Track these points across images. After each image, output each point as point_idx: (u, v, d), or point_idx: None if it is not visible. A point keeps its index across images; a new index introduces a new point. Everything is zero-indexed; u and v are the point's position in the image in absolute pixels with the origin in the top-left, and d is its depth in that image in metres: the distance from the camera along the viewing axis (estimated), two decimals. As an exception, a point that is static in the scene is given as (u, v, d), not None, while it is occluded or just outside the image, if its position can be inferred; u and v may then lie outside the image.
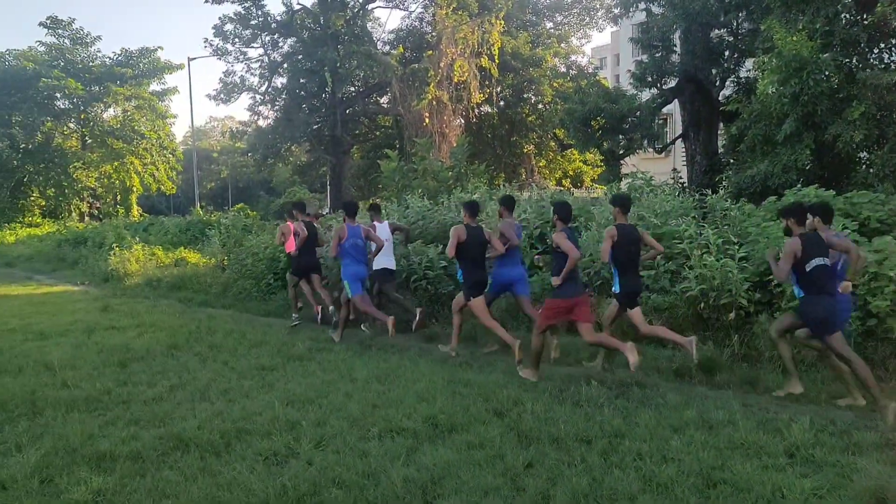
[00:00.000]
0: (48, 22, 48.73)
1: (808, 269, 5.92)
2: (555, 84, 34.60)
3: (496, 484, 4.27)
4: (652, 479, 4.33)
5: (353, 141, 39.49)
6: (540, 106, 37.80)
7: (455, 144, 26.20)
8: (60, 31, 49.19)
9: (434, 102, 29.52)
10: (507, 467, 4.52)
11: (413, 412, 5.70)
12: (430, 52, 31.86)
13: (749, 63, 17.12)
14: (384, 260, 9.83)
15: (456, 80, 30.17)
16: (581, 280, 7.76)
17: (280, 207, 52.03)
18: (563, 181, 40.20)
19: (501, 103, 36.91)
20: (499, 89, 35.52)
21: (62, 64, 47.37)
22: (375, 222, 10.15)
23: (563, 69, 37.76)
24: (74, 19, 49.30)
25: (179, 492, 4.27)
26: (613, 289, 7.21)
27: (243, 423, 5.57)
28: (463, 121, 34.06)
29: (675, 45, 18.72)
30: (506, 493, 4.16)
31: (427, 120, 29.91)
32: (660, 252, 7.49)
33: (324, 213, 35.55)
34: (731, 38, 18.03)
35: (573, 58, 40.58)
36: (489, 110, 38.00)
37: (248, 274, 13.76)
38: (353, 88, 38.14)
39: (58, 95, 47.03)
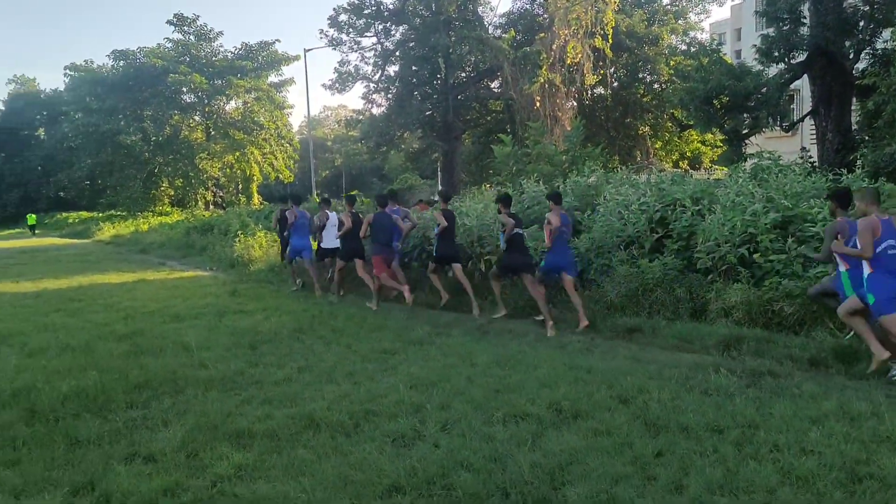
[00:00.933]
0: (174, 20, 51.30)
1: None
2: (672, 62, 33.53)
3: (625, 472, 4.22)
4: (791, 471, 4.16)
5: (465, 126, 39.65)
6: (656, 86, 36.78)
7: (568, 128, 25.89)
8: (186, 28, 51.70)
9: (546, 85, 29.19)
10: (636, 455, 4.45)
11: (536, 398, 5.70)
12: (542, 34, 31.53)
13: (886, 34, 16.05)
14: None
15: (568, 62, 29.70)
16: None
17: (392, 194, 53.06)
18: (681, 163, 39.01)
19: (615, 84, 36.15)
20: (613, 70, 34.82)
21: (188, 59, 49.81)
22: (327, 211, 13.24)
23: (682, 46, 36.51)
24: (199, 16, 51.99)
25: (313, 470, 4.43)
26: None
27: (370, 404, 5.73)
28: (575, 103, 33.51)
29: (805, 17, 17.76)
30: (636, 482, 4.10)
31: (539, 103, 29.64)
32: None
33: (433, 198, 35.99)
34: (867, 8, 16.93)
35: (692, 34, 39.18)
36: (602, 92, 37.28)
37: (367, 259, 14.04)
38: (464, 74, 38.26)
39: (184, 90, 49.52)
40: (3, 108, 73.07)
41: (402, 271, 11.70)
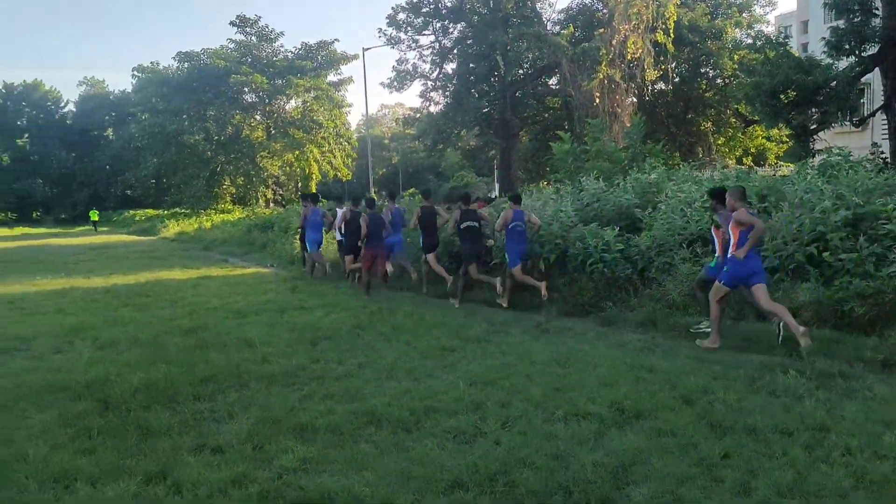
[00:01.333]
0: (237, 21, 52.39)
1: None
2: (736, 56, 32.77)
3: (691, 473, 4.15)
4: (864, 476, 4.04)
5: (522, 124, 39.51)
6: (719, 81, 36.04)
7: (627, 124, 25.58)
8: (248, 29, 52.75)
9: (605, 82, 28.90)
10: (702, 457, 4.38)
11: (596, 396, 5.66)
12: (602, 29, 31.20)
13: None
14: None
15: (629, 57, 29.34)
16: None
17: (449, 191, 53.24)
18: (745, 159, 38.13)
19: (677, 79, 35.54)
20: (674, 65, 34.24)
21: (249, 60, 50.83)
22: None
23: (747, 40, 35.67)
24: (260, 17, 52.86)
25: (376, 464, 4.48)
26: None
27: (429, 401, 5.76)
28: (635, 99, 33.10)
29: (877, 8, 17.15)
30: (702, 483, 4.04)
31: (598, 100, 29.35)
32: None
33: (492, 196, 35.98)
34: (944, -3, 16.27)
35: (757, 27, 38.26)
36: (663, 87, 36.68)
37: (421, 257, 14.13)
38: (521, 71, 38.12)
39: (246, 90, 50.55)
40: (74, 110, 75.76)
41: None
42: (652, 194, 12.01)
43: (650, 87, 34.65)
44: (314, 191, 52.77)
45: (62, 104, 75.25)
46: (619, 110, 29.49)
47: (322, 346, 8.13)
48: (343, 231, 13.63)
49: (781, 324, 7.35)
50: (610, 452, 4.52)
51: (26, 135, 71.64)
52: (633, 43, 28.95)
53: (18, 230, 50.31)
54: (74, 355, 7.83)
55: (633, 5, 28.49)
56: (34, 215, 71.01)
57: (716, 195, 8.47)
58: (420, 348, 7.87)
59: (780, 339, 7.35)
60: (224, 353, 7.78)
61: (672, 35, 30.42)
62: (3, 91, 72.28)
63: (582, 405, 5.47)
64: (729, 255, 7.52)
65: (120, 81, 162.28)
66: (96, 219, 52.78)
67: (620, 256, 10.28)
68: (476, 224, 11.39)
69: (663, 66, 32.86)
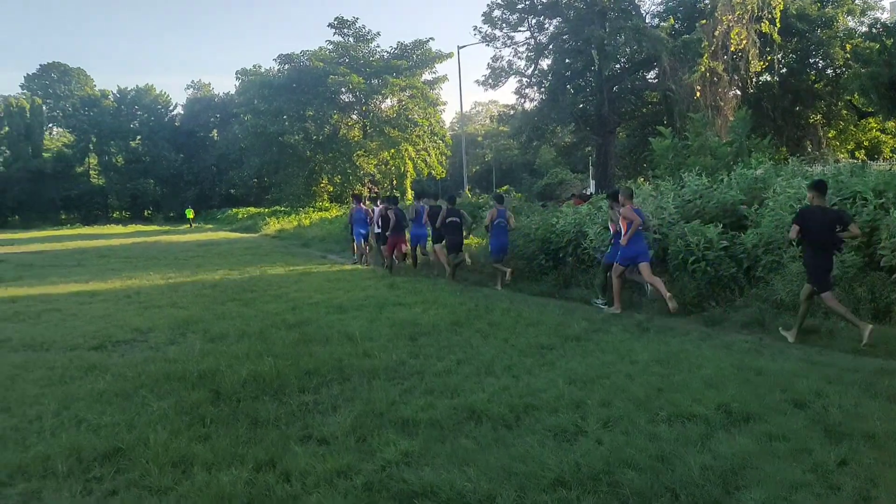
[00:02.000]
0: (335, 23, 53.59)
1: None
2: (848, 46, 31.18)
3: (805, 479, 4.00)
4: None
5: (619, 119, 38.81)
6: (829, 71, 34.38)
7: (731, 118, 24.73)
8: (345, 31, 53.92)
9: (707, 74, 28.03)
10: (816, 463, 4.21)
11: (702, 398, 5.52)
12: (704, 20, 30.25)
13: None
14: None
15: (732, 49, 28.35)
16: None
17: (543, 188, 52.86)
18: (857, 153, 36.25)
19: (783, 71, 34.10)
20: (780, 56, 32.85)
21: (346, 60, 51.96)
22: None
23: (862, 28, 33.89)
24: (357, 18, 53.96)
25: (477, 460, 4.52)
26: None
27: (529, 398, 5.76)
28: (739, 92, 31.94)
29: None
30: (817, 490, 3.89)
31: (699, 93, 28.50)
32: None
33: (587, 192, 35.49)
34: None
35: (871, 14, 36.28)
36: (769, 79, 35.26)
37: (519, 254, 14.13)
38: (619, 66, 37.44)
39: (343, 90, 51.70)
40: (182, 112, 79.29)
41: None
42: (758, 190, 11.59)
43: (755, 80, 33.35)
44: (409, 187, 53.74)
45: (171, 107, 78.95)
46: (722, 104, 28.55)
47: (421, 342, 8.23)
48: (380, 224, 16.44)
49: (650, 289, 10.16)
50: (718, 456, 4.40)
51: (138, 137, 75.42)
52: (736, 34, 27.94)
53: (131, 228, 53.09)
54: (187, 347, 8.21)
55: (738, -6, 27.53)
56: (145, 213, 74.66)
57: (611, 196, 11.05)
58: (518, 346, 7.86)
59: (650, 298, 10.27)
60: (327, 347, 7.99)
61: (779, 25, 29.18)
62: (118, 96, 76.41)
63: (687, 406, 5.34)
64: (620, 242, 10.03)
65: (225, 84, 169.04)
66: (192, 216, 55.75)
67: (724, 255, 9.98)
68: (458, 220, 14.32)
69: (769, 58, 31.57)
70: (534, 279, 13.22)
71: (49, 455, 4.73)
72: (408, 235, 16.33)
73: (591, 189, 43.84)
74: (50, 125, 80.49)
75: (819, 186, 7.90)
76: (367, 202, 21.21)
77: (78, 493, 4.26)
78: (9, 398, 6.24)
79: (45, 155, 71.79)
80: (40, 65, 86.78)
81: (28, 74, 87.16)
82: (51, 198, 68.45)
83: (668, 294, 9.33)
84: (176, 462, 4.62)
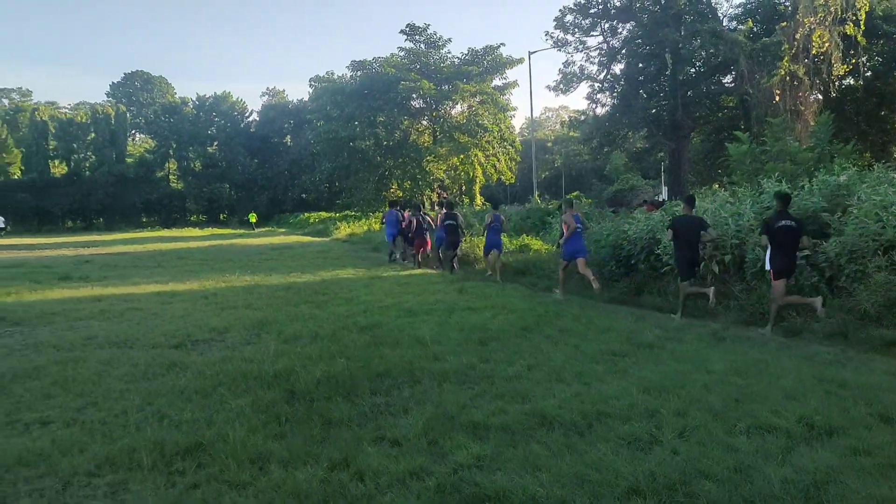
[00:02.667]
0: (407, 29, 54.10)
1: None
2: (939, 45, 29.84)
3: (893, 496, 3.85)
4: None
5: (693, 124, 37.98)
6: (919, 74, 32.93)
7: (811, 123, 23.97)
8: (417, 37, 54.38)
9: (787, 78, 27.17)
10: (905, 480, 4.06)
11: (782, 410, 5.37)
12: (784, 23, 29.36)
13: None
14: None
15: (814, 52, 27.43)
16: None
17: (613, 195, 52.17)
18: (947, 158, 34.59)
19: (868, 74, 32.85)
20: (865, 58, 31.64)
21: (418, 67, 52.36)
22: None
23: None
24: (429, 25, 54.16)
25: (549, 466, 4.49)
26: None
27: (601, 405, 5.70)
28: (820, 96, 30.88)
29: None
30: (907, 509, 3.74)
31: (778, 98, 27.66)
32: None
33: (660, 199, 34.86)
34: None
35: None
36: (853, 83, 34.02)
37: (590, 262, 13.99)
38: (693, 69, 36.68)
39: (414, 96, 52.12)
40: (257, 119, 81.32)
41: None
42: (842, 197, 11.18)
43: (838, 83, 32.22)
44: (478, 193, 53.87)
45: (247, 114, 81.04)
46: (803, 108, 27.64)
47: (491, 347, 8.23)
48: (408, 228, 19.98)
49: (593, 284, 12.33)
50: (799, 469, 4.28)
51: (215, 143, 77.74)
52: (818, 36, 27.01)
53: (207, 231, 54.64)
54: (262, 347, 8.40)
55: (820, -4, 26.63)
56: (221, 217, 76.78)
57: (563, 205, 15.15)
58: (589, 352, 7.79)
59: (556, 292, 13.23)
60: (398, 350, 8.06)
61: (863, 26, 28.08)
62: (197, 103, 78.93)
63: (766, 418, 5.21)
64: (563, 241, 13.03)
65: (298, 91, 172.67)
66: (254, 220, 57.41)
67: (805, 263, 9.67)
68: (455, 223, 17.44)
69: (853, 60, 30.46)
70: (605, 286, 13.08)
71: (134, 448, 4.91)
72: (430, 238, 19.29)
73: (664, 195, 43.05)
74: (133, 131, 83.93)
75: (689, 201, 11.15)
76: (437, 207, 24.02)
77: (162, 485, 4.41)
78: (96, 393, 6.50)
79: (128, 160, 74.75)
80: (124, 73, 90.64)
81: (113, 83, 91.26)
82: (133, 201, 71.16)
83: (593, 278, 12.28)
84: (253, 458, 4.74)
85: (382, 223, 22.79)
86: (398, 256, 21.17)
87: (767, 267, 9.34)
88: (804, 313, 9.13)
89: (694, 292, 10.48)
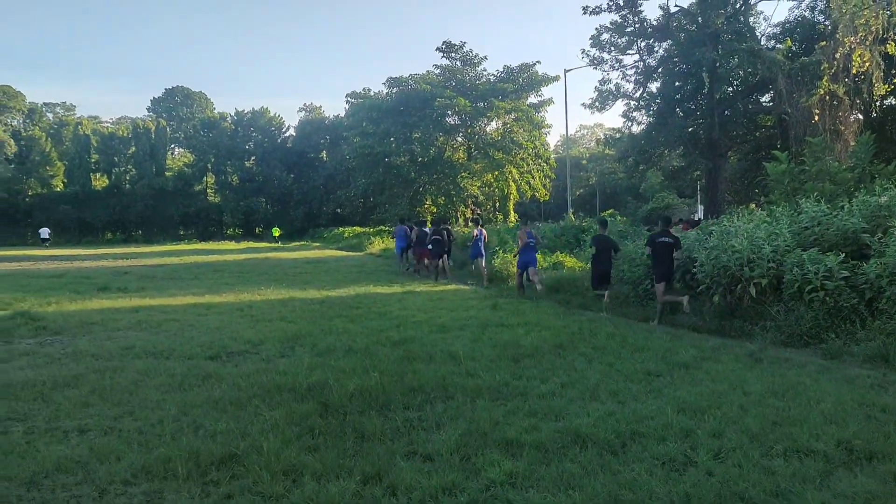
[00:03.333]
0: (443, 47, 54.50)
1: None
2: (984, 66, 29.18)
3: (937, 526, 3.76)
4: None
5: (730, 143, 37.56)
6: (963, 93, 32.22)
7: (851, 143, 23.56)
8: (453, 55, 54.74)
9: (826, 98, 26.75)
10: (950, 509, 3.95)
11: (821, 433, 5.26)
12: (824, 42, 28.90)
13: None
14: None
15: (854, 71, 26.94)
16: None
17: (648, 213, 51.80)
18: None
19: (911, 93, 32.18)
20: (907, 78, 31.01)
21: (453, 84, 52.65)
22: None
23: None
24: (465, 43, 54.47)
25: (583, 484, 4.46)
26: None
27: (636, 425, 5.64)
28: (861, 116, 30.34)
29: None
30: (951, 539, 3.65)
31: (817, 117, 27.23)
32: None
33: (696, 218, 34.48)
34: None
35: None
36: (894, 103, 33.42)
37: (624, 279, 13.92)
38: (731, 88, 36.33)
39: (449, 112, 52.38)
40: (293, 134, 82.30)
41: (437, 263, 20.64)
42: (883, 218, 10.96)
43: (879, 103, 31.66)
44: (511, 209, 53.86)
45: (284, 129, 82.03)
46: (843, 128, 27.15)
47: (524, 364, 8.21)
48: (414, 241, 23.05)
49: (537, 287, 15.24)
50: (838, 494, 4.19)
51: (253, 157, 78.78)
52: (859, 55, 26.51)
53: (244, 244, 55.30)
54: (296, 360, 8.47)
55: (861, 16, 26.16)
56: (257, 230, 77.58)
57: (521, 217, 33.22)
58: (624, 371, 7.73)
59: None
60: (431, 365, 8.08)
61: (905, 46, 27.61)
62: (235, 118, 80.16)
63: (804, 441, 5.11)
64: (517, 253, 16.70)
65: (335, 107, 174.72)
66: (278, 234, 58.16)
67: (845, 285, 9.49)
68: (440, 237, 20.23)
69: (895, 80, 29.94)
70: (640, 304, 12.99)
71: (170, 458, 4.97)
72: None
73: (700, 214, 42.62)
74: (172, 146, 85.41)
75: (602, 222, 15.52)
76: (471, 224, 27.35)
77: (197, 495, 4.46)
78: (133, 402, 6.61)
79: (167, 174, 76.02)
80: (165, 89, 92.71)
81: (154, 98, 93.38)
82: (171, 214, 72.45)
83: (541, 284, 15.31)
84: (287, 470, 4.77)
85: (392, 238, 26.74)
86: (409, 268, 23.83)
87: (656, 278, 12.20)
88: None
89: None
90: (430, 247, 20.76)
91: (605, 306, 13.08)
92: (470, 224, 25.69)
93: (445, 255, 20.44)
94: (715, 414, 5.92)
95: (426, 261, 21.58)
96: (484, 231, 20.56)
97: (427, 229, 22.98)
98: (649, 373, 7.64)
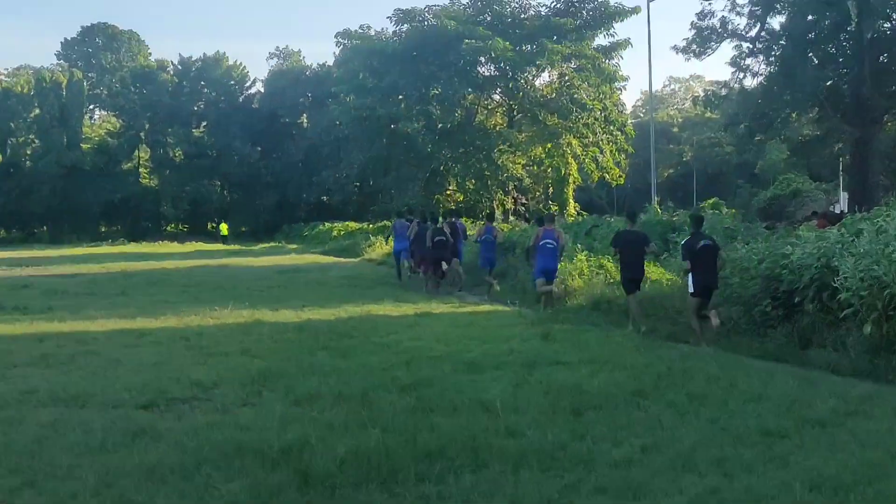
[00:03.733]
0: (477, -33, 54.06)
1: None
2: None
3: None
4: None
5: (888, 104, 37.22)
6: None
7: None
8: (491, -23, 54.10)
9: None
10: None
11: None
12: None
13: None
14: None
15: None
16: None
17: (768, 203, 51.39)
18: None
19: None
20: None
21: (488, 19, 52.17)
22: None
23: None
24: (505, -40, 54.19)
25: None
26: None
27: (751, 508, 5.63)
28: None
29: None
30: None
31: None
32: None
33: (837, 210, 34.19)
34: None
35: None
36: None
37: (734, 298, 13.84)
38: (888, 25, 36.01)
39: (481, 60, 51.97)
40: (261, 91, 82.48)
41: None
42: None
43: None
44: (571, 197, 53.54)
45: (248, 83, 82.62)
46: None
47: (589, 418, 8.19)
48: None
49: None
50: None
51: (203, 123, 79.34)
52: None
53: (190, 246, 55.60)
54: (265, 410, 8.51)
55: None
56: (209, 227, 77.54)
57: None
58: (732, 429, 7.69)
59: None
60: (455, 419, 8.07)
61: None
62: (179, 68, 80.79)
63: None
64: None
65: (320, 52, 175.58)
66: (226, 233, 59.57)
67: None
68: (444, 238, 22.16)
69: None
70: (755, 333, 12.91)
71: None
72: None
73: (843, 205, 42.25)
74: (91, 106, 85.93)
75: (631, 215, 17.18)
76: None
77: None
78: (35, 468, 6.65)
79: (84, 146, 75.95)
80: (82, 27, 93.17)
81: (66, 39, 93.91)
82: (88, 203, 72.48)
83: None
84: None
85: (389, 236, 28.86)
86: (410, 275, 25.91)
87: (691, 290, 13.36)
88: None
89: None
90: (434, 252, 22.32)
91: (634, 317, 14.80)
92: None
93: (456, 259, 22.63)
94: (866, 493, 5.88)
95: (422, 268, 23.67)
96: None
97: (429, 224, 24.23)
98: (769, 433, 7.60)
